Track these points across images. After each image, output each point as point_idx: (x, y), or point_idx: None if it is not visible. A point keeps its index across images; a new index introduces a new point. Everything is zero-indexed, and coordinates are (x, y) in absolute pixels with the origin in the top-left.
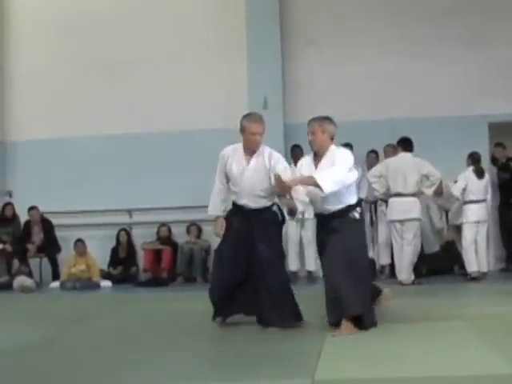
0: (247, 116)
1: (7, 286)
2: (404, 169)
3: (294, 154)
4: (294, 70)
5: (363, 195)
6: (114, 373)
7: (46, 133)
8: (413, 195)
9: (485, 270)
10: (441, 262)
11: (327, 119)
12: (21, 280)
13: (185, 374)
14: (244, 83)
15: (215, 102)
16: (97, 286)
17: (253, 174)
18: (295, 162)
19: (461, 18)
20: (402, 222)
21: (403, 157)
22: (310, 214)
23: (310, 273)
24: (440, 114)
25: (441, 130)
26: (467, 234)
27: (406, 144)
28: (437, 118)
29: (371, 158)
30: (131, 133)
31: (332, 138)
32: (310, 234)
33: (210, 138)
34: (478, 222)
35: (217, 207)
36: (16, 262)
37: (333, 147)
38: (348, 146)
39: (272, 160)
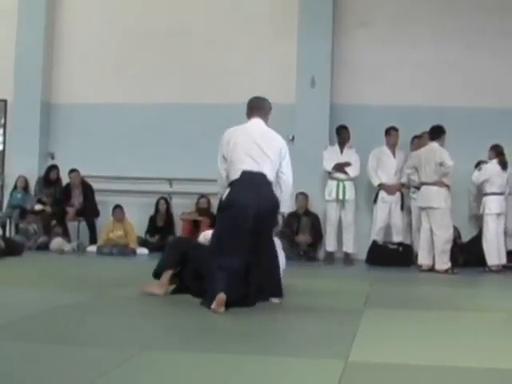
0: None
1: (45, 247)
2: (426, 158)
3: (341, 134)
4: (344, 51)
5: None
6: (136, 337)
7: (92, 97)
8: (433, 184)
9: (504, 261)
10: (477, 251)
11: None
12: (58, 242)
13: (221, 345)
14: (293, 61)
15: (264, 78)
16: (133, 253)
17: None
18: (341, 143)
19: None
20: (425, 209)
21: (428, 146)
22: (351, 196)
23: (346, 254)
24: (494, 105)
25: (493, 121)
26: (491, 226)
27: (432, 133)
28: (490, 108)
29: (415, 144)
30: (177, 103)
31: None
32: (349, 215)
33: None
34: (499, 214)
35: None
36: (54, 224)
37: None
38: (393, 129)
39: None
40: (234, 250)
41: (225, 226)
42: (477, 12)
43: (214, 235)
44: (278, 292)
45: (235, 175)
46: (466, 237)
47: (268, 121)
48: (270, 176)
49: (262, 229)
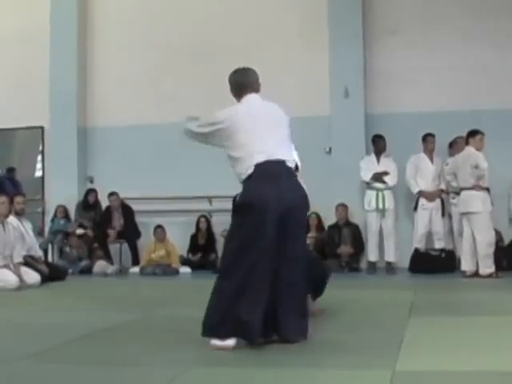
0: None
1: (87, 271)
2: (462, 163)
3: (377, 144)
4: (376, 59)
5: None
6: (183, 355)
7: (127, 119)
8: (471, 188)
9: None
10: None
11: None
12: (101, 265)
13: (264, 359)
14: (325, 72)
15: (296, 91)
16: (176, 272)
17: None
18: (377, 153)
19: None
20: (465, 214)
21: (464, 151)
22: (390, 204)
23: (389, 263)
24: None
25: None
26: None
27: (466, 137)
28: None
29: (452, 150)
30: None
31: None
32: (390, 224)
33: (292, 127)
34: None
35: None
36: (96, 247)
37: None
38: (430, 135)
39: None
40: (254, 264)
41: (240, 234)
42: (507, 14)
43: (227, 246)
44: (301, 328)
45: (248, 170)
46: (508, 240)
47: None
48: (289, 159)
49: (289, 233)
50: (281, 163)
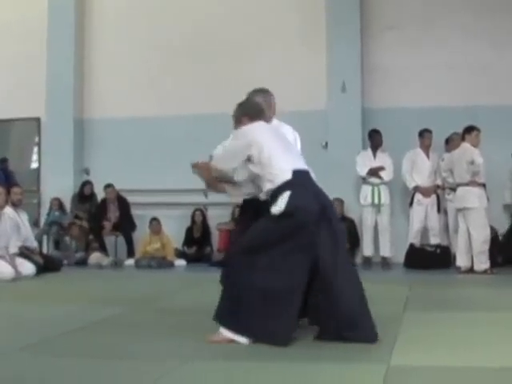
0: None
1: (83, 262)
2: (458, 159)
3: (373, 139)
4: (373, 55)
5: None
6: (176, 350)
7: (124, 111)
8: (467, 184)
9: None
10: None
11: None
12: (96, 257)
13: (260, 353)
14: (323, 67)
15: (294, 86)
16: (171, 265)
17: None
18: (374, 148)
19: None
20: (461, 210)
21: (460, 147)
22: (386, 200)
23: (384, 258)
24: None
25: None
26: None
27: (463, 133)
28: None
29: (449, 146)
30: (208, 113)
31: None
32: (385, 219)
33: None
34: None
35: None
36: (91, 239)
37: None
38: (427, 131)
39: None
40: (302, 272)
41: (278, 237)
42: (505, 12)
43: (265, 238)
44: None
45: (284, 177)
46: (501, 235)
47: None
48: (310, 171)
49: (336, 240)
50: (307, 172)
